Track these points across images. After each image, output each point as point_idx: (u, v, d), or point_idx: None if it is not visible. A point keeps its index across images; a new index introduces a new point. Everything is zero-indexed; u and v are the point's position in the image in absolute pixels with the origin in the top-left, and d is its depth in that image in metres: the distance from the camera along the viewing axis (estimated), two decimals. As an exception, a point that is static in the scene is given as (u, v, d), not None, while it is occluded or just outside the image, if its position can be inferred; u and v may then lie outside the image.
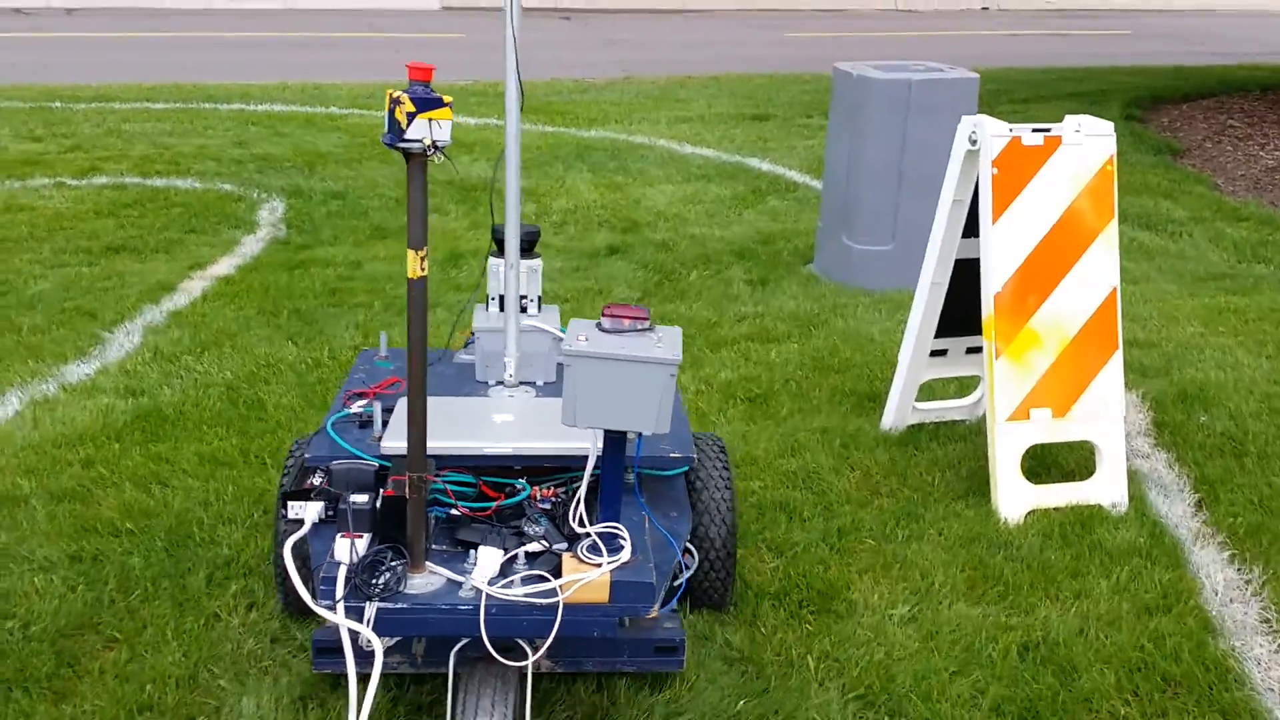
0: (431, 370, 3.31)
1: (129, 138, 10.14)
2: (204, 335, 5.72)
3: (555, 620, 2.63)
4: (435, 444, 2.80)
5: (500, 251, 3.53)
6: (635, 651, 3.00)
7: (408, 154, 2.49)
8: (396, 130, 2.47)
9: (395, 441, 3.02)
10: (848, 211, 6.82)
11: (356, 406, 3.33)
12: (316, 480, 2.98)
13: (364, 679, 2.58)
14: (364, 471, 2.85)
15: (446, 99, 2.47)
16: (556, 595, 2.64)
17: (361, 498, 2.79)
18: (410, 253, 2.52)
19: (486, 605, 2.63)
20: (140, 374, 5.26)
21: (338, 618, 2.58)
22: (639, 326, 2.77)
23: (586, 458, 3.00)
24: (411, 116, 2.45)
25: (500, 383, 3.51)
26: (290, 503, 2.87)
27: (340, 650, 2.61)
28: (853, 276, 6.84)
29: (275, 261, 6.91)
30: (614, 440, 2.84)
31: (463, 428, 3.17)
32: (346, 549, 2.66)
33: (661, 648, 3.00)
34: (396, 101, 2.45)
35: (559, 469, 3.13)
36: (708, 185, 9.16)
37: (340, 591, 2.60)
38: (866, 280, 6.79)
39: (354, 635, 2.59)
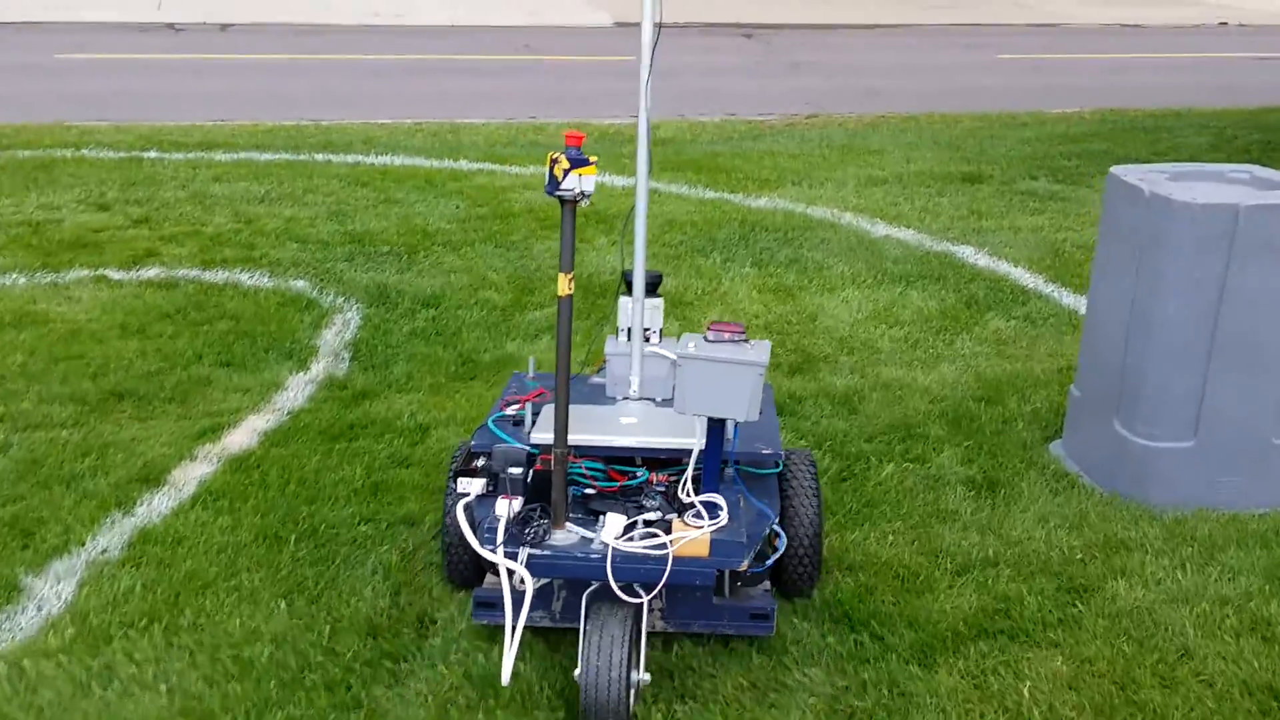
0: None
1: (212, 204, 8.58)
2: (161, 592, 3.87)
3: (665, 569, 3.25)
4: (573, 437, 3.43)
5: (629, 291, 4.03)
6: (733, 617, 3.54)
7: (561, 200, 3.24)
8: (554, 183, 3.22)
9: (543, 433, 3.67)
10: (1126, 386, 4.63)
11: (511, 410, 3.96)
12: (479, 463, 3.61)
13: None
14: (519, 452, 3.36)
15: (592, 159, 3.24)
16: (667, 549, 3.27)
17: (516, 470, 3.32)
18: (561, 275, 3.26)
19: (612, 555, 3.25)
20: (25, 681, 3.49)
21: (498, 558, 3.22)
22: (736, 339, 3.39)
23: (693, 451, 3.61)
24: (566, 173, 3.21)
25: (625, 397, 4.05)
26: (460, 479, 3.50)
27: (495, 604, 3.40)
28: (1129, 482, 4.64)
29: (316, 424, 5.11)
30: (714, 428, 3.49)
31: (595, 425, 3.78)
32: (505, 507, 3.27)
33: (756, 614, 3.54)
34: (555, 161, 3.21)
35: (671, 460, 3.74)
36: (907, 292, 7.01)
37: (500, 537, 3.25)
38: (1151, 490, 4.58)
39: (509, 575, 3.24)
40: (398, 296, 6.71)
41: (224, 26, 19.31)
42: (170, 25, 19.19)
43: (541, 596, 3.45)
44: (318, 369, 5.73)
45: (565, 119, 12.46)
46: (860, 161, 10.54)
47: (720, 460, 3.53)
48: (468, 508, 3.45)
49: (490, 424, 3.86)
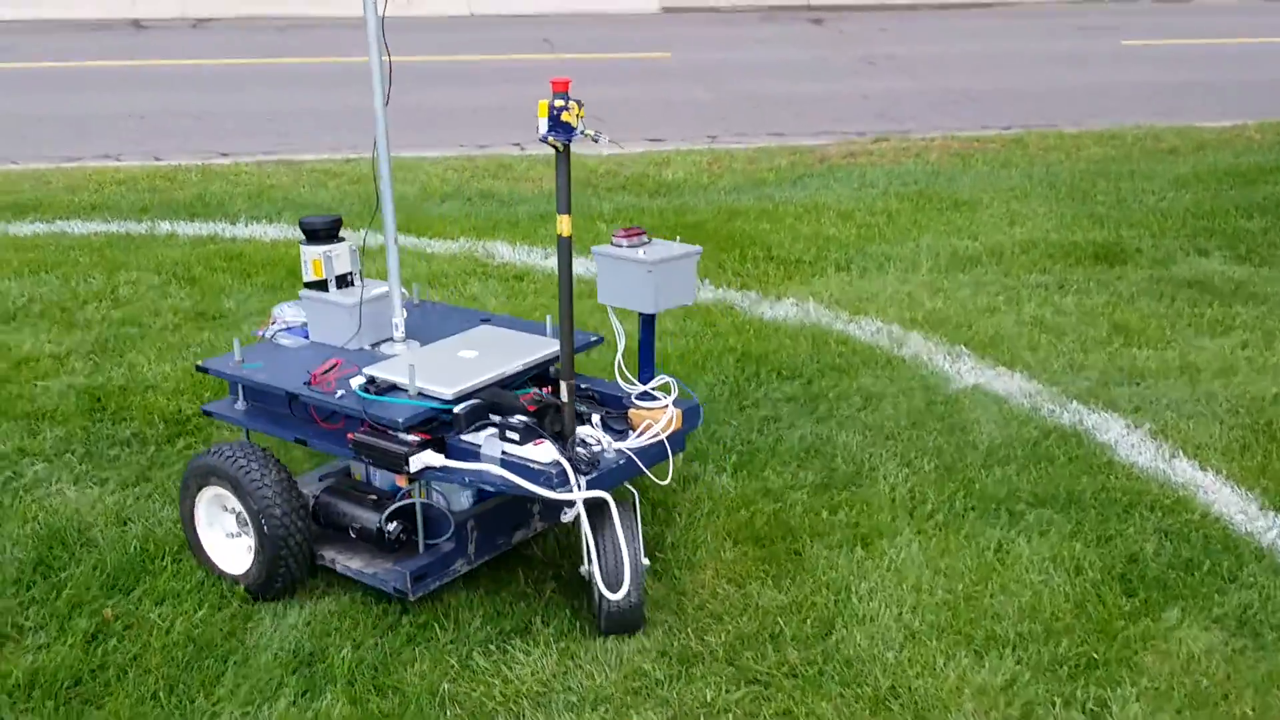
0: None
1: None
2: None
3: (669, 449, 3.48)
4: (485, 377, 3.49)
5: (308, 240, 3.85)
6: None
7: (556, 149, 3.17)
8: (559, 129, 3.12)
9: (446, 384, 3.42)
10: None
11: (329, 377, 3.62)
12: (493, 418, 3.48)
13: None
14: (515, 399, 3.41)
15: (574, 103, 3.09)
16: (661, 433, 3.48)
17: (524, 416, 3.36)
18: (560, 216, 3.19)
19: (635, 451, 3.40)
20: None
21: (579, 494, 3.23)
22: (637, 243, 3.51)
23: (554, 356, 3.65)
24: (555, 118, 3.12)
25: (386, 340, 3.81)
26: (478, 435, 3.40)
27: (426, 575, 3.44)
28: None
29: None
30: (645, 321, 3.60)
31: (480, 364, 3.57)
32: (549, 449, 3.28)
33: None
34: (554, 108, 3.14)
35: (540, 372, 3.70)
36: (1014, 542, 3.85)
37: (573, 475, 3.24)
38: None
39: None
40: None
41: (197, 23, 16.53)
42: (135, 22, 16.45)
43: (459, 544, 3.50)
44: None
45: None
46: (942, 222, 7.30)
47: (653, 347, 3.63)
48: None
49: (359, 392, 3.45)
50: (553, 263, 6.60)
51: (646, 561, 3.44)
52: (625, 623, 3.39)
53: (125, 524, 3.99)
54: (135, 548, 3.81)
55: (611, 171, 8.66)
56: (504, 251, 6.80)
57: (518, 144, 9.68)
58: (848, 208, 7.59)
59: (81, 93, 11.51)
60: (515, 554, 3.80)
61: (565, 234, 3.20)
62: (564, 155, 3.15)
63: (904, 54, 13.89)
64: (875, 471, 4.31)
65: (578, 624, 3.50)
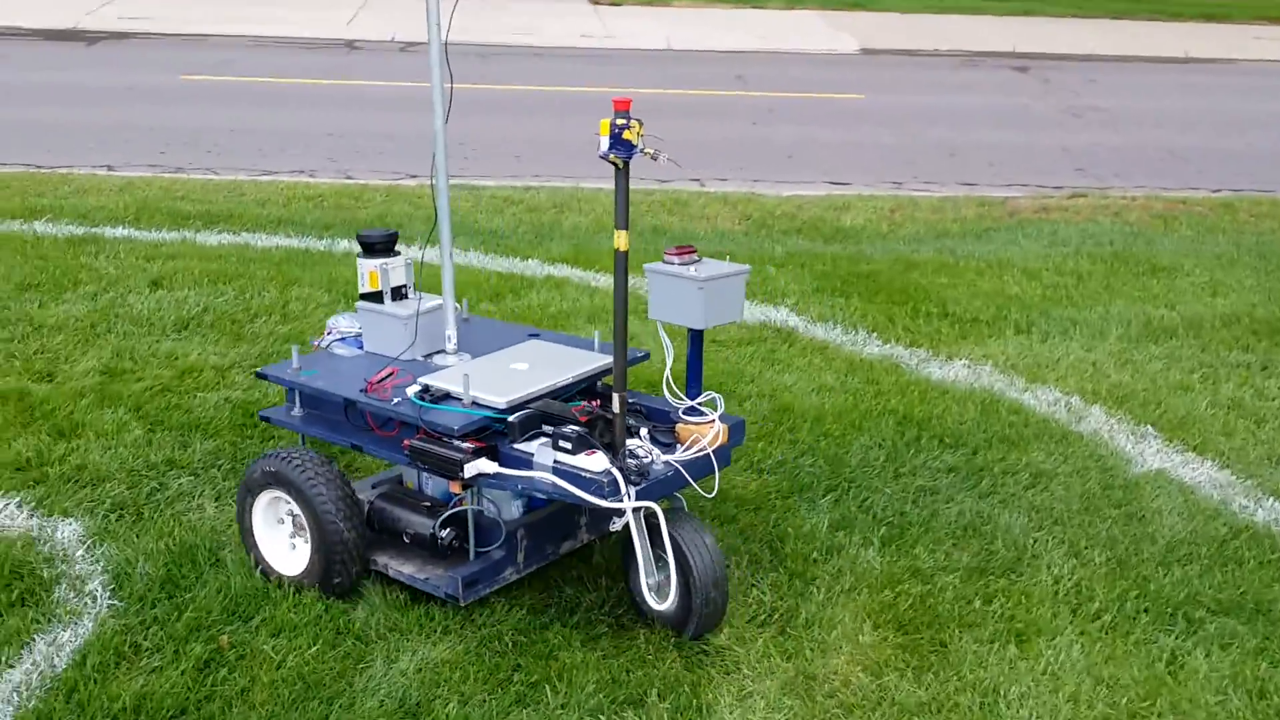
0: None
1: (106, 327, 5.87)
2: None
3: (715, 463, 3.51)
4: (541, 386, 3.58)
5: (364, 253, 4.03)
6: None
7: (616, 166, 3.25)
8: (622, 146, 3.19)
9: (500, 393, 3.50)
10: None
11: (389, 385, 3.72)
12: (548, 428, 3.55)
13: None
14: (567, 409, 3.49)
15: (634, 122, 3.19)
16: (708, 447, 3.51)
17: (576, 428, 3.42)
18: (617, 232, 3.28)
19: (682, 464, 3.43)
20: None
21: (629, 503, 3.27)
22: (688, 261, 3.55)
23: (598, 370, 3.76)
24: (616, 136, 3.19)
25: (439, 352, 3.90)
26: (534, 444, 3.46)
27: (478, 581, 3.50)
28: None
29: None
30: (694, 336, 3.59)
31: (532, 376, 3.65)
32: (601, 459, 3.33)
33: None
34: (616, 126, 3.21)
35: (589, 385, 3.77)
36: (1189, 655, 3.48)
37: (623, 485, 3.28)
38: None
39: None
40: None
41: (404, 46, 17.04)
42: (349, 43, 17.07)
43: (509, 552, 3.56)
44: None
45: (726, 187, 9.26)
46: (1136, 287, 6.84)
47: (701, 363, 3.65)
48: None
49: (415, 400, 3.53)
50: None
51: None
52: (704, 625, 3.50)
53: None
54: (261, 572, 3.78)
55: (789, 214, 8.45)
56: (669, 291, 6.65)
57: (697, 179, 9.56)
58: (1034, 266, 7.18)
59: (287, 109, 11.93)
60: (637, 618, 3.62)
61: (622, 249, 3.30)
62: (623, 172, 3.25)
63: (1111, 106, 13.26)
64: (1038, 560, 3.97)
65: (694, 701, 3.29)
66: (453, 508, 3.57)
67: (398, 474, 3.93)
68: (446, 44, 3.70)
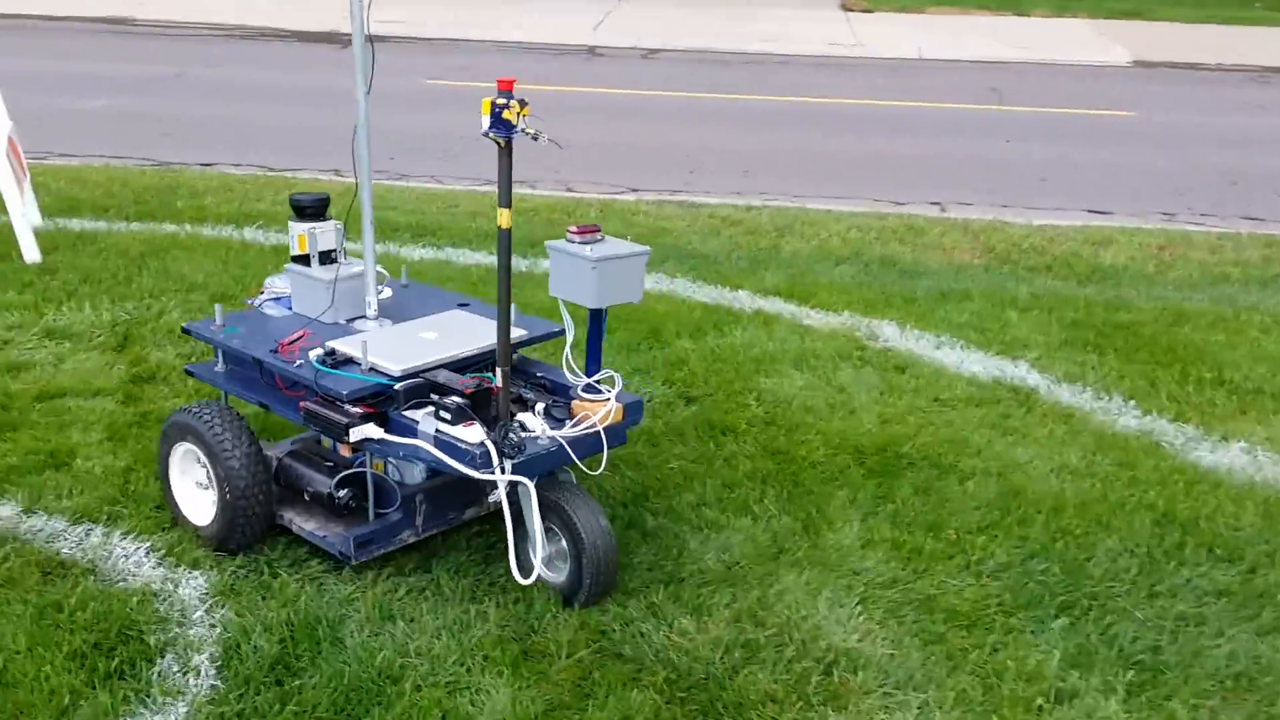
0: None
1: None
2: None
3: (604, 440, 3.52)
4: (442, 356, 3.66)
5: (296, 216, 4.02)
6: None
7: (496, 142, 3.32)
8: (500, 126, 3.26)
9: (397, 361, 3.59)
10: None
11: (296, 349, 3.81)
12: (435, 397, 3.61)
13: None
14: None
15: (515, 103, 3.25)
16: (597, 425, 3.52)
17: (460, 399, 3.46)
18: (500, 210, 3.36)
19: (568, 440, 3.48)
20: None
21: (502, 475, 3.35)
22: (590, 240, 3.63)
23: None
24: (496, 115, 3.27)
25: (360, 317, 3.99)
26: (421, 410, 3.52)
27: (371, 541, 3.62)
28: None
29: None
30: (594, 315, 3.70)
31: (439, 344, 3.75)
32: (478, 430, 3.38)
33: None
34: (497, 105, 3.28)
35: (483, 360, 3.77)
36: None
37: (496, 457, 3.34)
38: None
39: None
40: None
41: (647, 53, 16.70)
42: (591, 49, 16.88)
43: (406, 515, 3.66)
44: None
45: (978, 210, 8.39)
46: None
47: (601, 341, 3.77)
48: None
49: (316, 364, 3.61)
50: (943, 354, 5.66)
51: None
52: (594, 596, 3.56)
53: (385, 621, 3.52)
54: (383, 660, 3.32)
55: (1038, 247, 7.54)
56: (890, 333, 5.92)
57: (937, 203, 8.73)
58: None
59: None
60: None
61: (505, 227, 3.39)
62: (505, 151, 3.33)
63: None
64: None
65: None
66: (352, 470, 3.66)
67: (317, 434, 3.93)
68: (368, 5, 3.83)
